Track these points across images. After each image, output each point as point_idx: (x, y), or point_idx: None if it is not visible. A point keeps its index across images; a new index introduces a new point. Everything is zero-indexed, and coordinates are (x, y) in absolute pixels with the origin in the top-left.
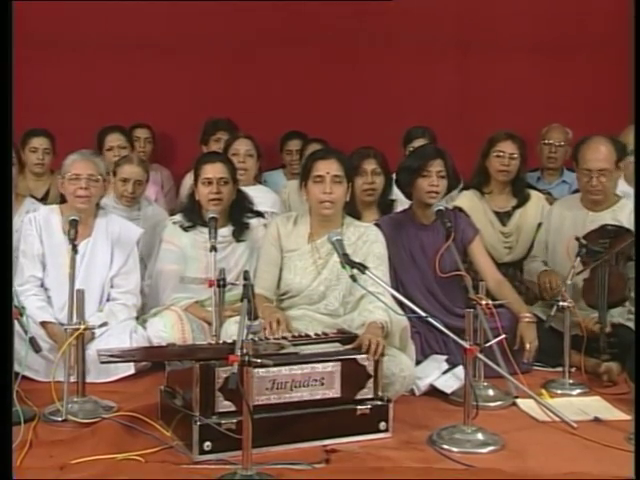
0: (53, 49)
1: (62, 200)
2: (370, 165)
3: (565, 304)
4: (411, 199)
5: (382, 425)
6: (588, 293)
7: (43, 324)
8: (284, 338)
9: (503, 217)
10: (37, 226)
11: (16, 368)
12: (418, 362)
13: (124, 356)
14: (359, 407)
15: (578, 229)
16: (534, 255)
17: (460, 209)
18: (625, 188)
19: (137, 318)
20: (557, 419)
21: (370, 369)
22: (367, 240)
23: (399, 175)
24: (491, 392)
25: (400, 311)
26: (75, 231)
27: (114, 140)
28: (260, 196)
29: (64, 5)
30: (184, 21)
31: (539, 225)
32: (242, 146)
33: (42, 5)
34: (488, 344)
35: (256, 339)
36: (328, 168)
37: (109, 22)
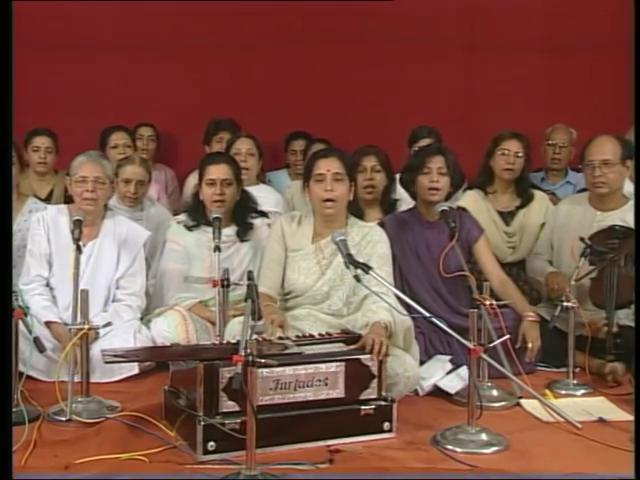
0: (54, 49)
1: (70, 200)
2: (370, 162)
3: (569, 304)
4: (416, 199)
5: (386, 425)
6: (595, 293)
7: (47, 324)
8: (288, 338)
9: (507, 217)
10: (45, 225)
11: (20, 368)
12: (422, 362)
13: (128, 356)
14: (363, 407)
15: (585, 228)
16: (537, 252)
17: (464, 209)
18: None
19: (141, 318)
20: (561, 420)
21: (374, 369)
22: (371, 240)
23: (403, 174)
24: (495, 392)
25: (404, 311)
26: (79, 231)
27: (119, 138)
28: (263, 196)
29: (64, 5)
30: (187, 21)
31: (543, 225)
32: (244, 145)
33: (42, 5)
34: (492, 344)
35: (260, 339)
36: (329, 166)
37: (111, 22)
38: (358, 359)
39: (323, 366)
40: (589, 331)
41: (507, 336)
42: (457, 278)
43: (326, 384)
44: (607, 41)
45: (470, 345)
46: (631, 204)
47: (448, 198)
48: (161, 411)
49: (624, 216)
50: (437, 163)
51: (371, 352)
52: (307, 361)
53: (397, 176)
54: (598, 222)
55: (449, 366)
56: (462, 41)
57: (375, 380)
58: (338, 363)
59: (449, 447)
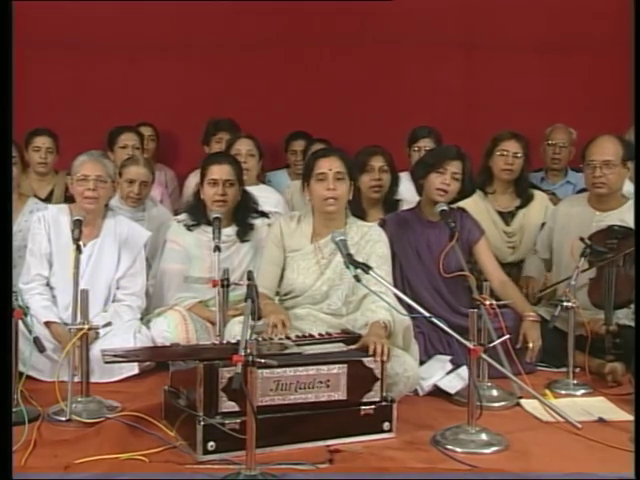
0: (54, 49)
1: (72, 200)
2: (378, 162)
3: (569, 304)
4: (421, 194)
5: (386, 425)
6: (594, 292)
7: (47, 324)
8: (288, 338)
9: (507, 217)
10: (46, 225)
11: (20, 368)
12: (422, 362)
13: (128, 356)
14: (363, 407)
15: (584, 228)
16: (536, 250)
17: (464, 209)
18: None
19: (141, 318)
20: (561, 419)
21: (377, 372)
22: (370, 240)
23: (415, 167)
24: (495, 392)
25: (403, 310)
26: (79, 231)
27: (129, 139)
28: (263, 196)
29: (64, 5)
30: (187, 21)
31: (543, 225)
32: (244, 146)
33: (42, 5)
34: (492, 344)
35: (260, 339)
36: (330, 165)
37: (110, 22)
38: (360, 361)
39: (325, 368)
40: (588, 330)
41: (507, 336)
42: (457, 278)
43: (327, 386)
44: (607, 41)
45: (470, 345)
46: (630, 204)
47: (451, 204)
48: (161, 411)
49: (623, 216)
50: (454, 167)
51: (373, 354)
52: (308, 362)
53: (401, 175)
54: (597, 222)
55: (449, 366)
56: (462, 41)
57: (378, 383)
58: (340, 365)
59: (449, 447)
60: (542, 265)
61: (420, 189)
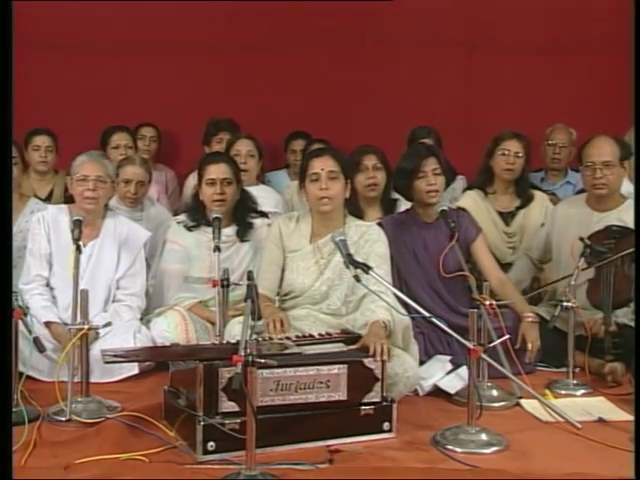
0: (54, 49)
1: (71, 200)
2: (371, 161)
3: (569, 304)
4: (411, 200)
5: (386, 425)
6: (593, 293)
7: (47, 324)
8: (288, 338)
9: (507, 217)
10: (45, 225)
11: (20, 368)
12: (422, 362)
13: (128, 356)
14: (363, 407)
15: (583, 229)
16: (527, 251)
17: (463, 209)
18: (632, 189)
19: (141, 318)
20: (561, 420)
21: (377, 372)
22: (369, 239)
23: (396, 179)
24: (495, 392)
25: (402, 310)
26: (79, 231)
27: (121, 139)
28: (263, 196)
29: (64, 5)
30: (187, 21)
31: (543, 225)
32: (243, 146)
33: (42, 5)
34: (492, 344)
35: (260, 339)
36: (323, 165)
37: (111, 22)
38: (361, 361)
39: (325, 368)
40: (588, 330)
41: (507, 336)
42: (456, 278)
43: (328, 386)
44: (607, 41)
45: (470, 345)
46: (628, 203)
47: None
48: (161, 411)
49: (621, 216)
50: (431, 165)
51: (373, 355)
52: (308, 363)
53: None
54: (596, 223)
55: (449, 366)
56: (462, 41)
57: (378, 383)
58: (340, 365)
59: (449, 447)
60: (527, 268)
61: (409, 197)
